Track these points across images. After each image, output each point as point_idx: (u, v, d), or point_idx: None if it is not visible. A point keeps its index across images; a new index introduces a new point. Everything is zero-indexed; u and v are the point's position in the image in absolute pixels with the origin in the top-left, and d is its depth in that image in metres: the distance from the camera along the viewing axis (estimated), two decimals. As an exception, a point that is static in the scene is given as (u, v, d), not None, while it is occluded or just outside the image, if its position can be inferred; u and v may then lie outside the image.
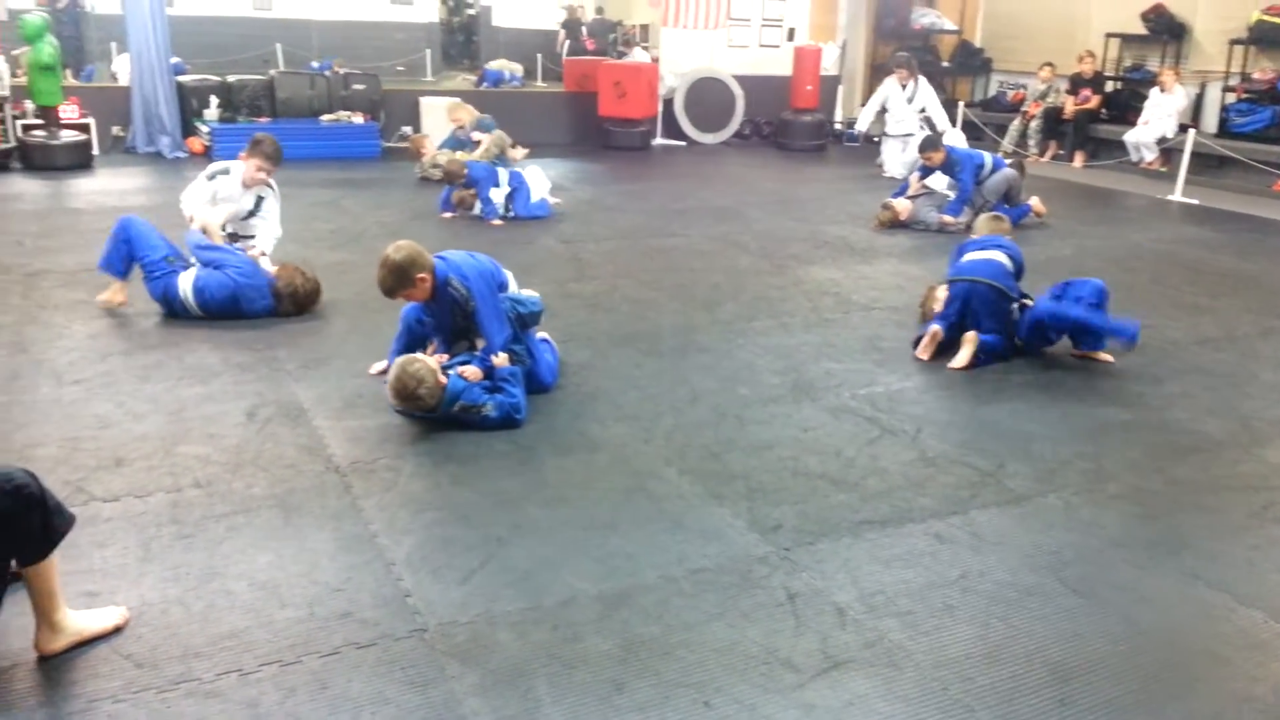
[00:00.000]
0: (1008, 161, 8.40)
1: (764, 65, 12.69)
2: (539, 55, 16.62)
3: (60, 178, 8.54)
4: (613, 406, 4.14)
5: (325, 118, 10.33)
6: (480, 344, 4.07)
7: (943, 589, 2.88)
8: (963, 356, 4.67)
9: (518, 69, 14.95)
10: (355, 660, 2.48)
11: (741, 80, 12.37)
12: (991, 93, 13.80)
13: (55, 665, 2.39)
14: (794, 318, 5.45)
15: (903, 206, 7.90)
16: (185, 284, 4.93)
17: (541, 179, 7.91)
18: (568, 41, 17.04)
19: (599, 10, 18.45)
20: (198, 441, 3.64)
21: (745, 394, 4.33)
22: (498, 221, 7.49)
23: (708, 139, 12.45)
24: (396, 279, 3.83)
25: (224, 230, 5.36)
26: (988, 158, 8.09)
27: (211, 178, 5.43)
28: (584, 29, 17.29)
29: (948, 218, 7.70)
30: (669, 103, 12.25)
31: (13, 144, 8.90)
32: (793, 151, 12.24)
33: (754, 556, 3.03)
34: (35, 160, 8.83)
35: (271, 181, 5.60)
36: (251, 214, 5.57)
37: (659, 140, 12.24)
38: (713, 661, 2.52)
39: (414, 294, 3.91)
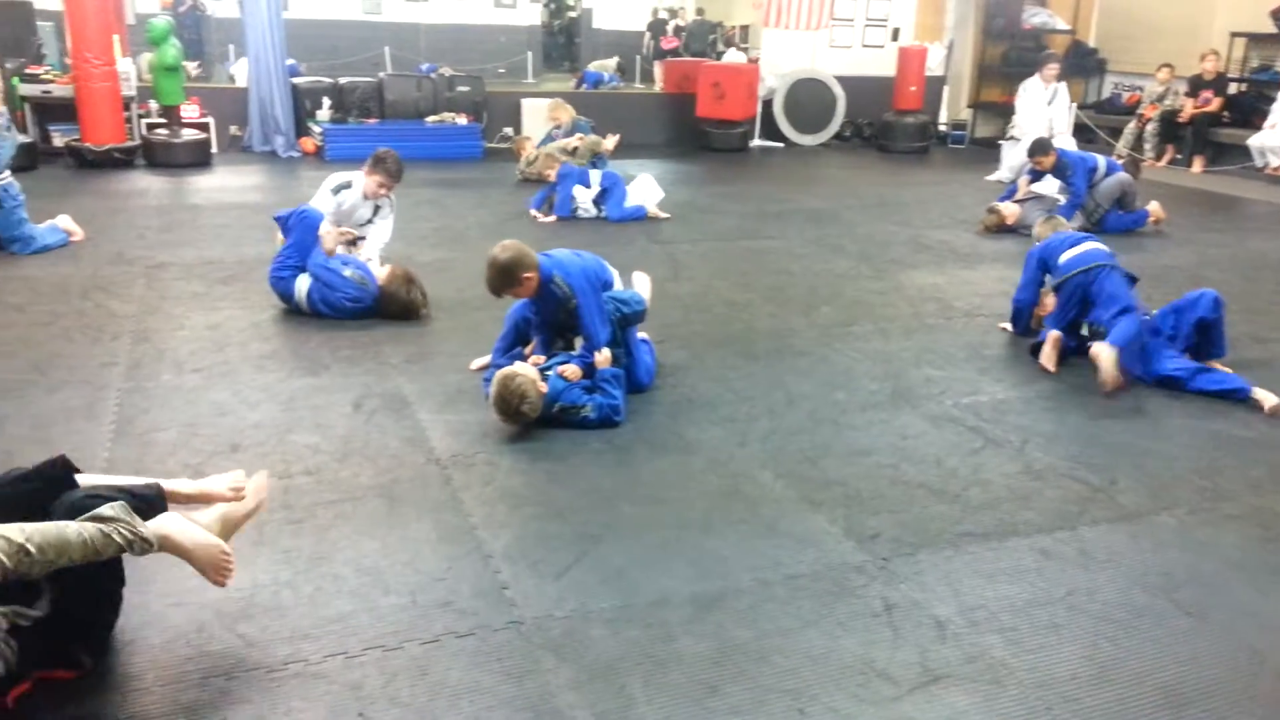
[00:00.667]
0: (1121, 165, 8.09)
1: (867, 66, 12.51)
2: (637, 56, 16.72)
3: (180, 174, 8.94)
4: (708, 409, 4.13)
5: (430, 119, 10.58)
6: (579, 343, 4.12)
7: (1048, 606, 2.79)
8: (1108, 371, 4.33)
9: (615, 70, 15.06)
10: (454, 649, 2.53)
11: (843, 81, 12.22)
12: (1105, 95, 13.31)
13: (170, 641, 2.50)
14: (894, 323, 5.35)
15: (1009, 211, 7.68)
16: (301, 288, 5.08)
17: (652, 189, 7.92)
18: (652, 43, 17.07)
19: (699, 11, 18.45)
20: (307, 431, 3.77)
21: (842, 399, 4.27)
22: (551, 218, 7.64)
23: (806, 140, 12.33)
24: (503, 278, 3.90)
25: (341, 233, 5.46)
26: (1101, 161, 7.81)
27: (335, 192, 5.49)
28: (668, 29, 17.28)
29: (1059, 222, 7.46)
30: (768, 104, 12.18)
31: (137, 142, 9.36)
32: (894, 154, 12.03)
33: (850, 565, 2.98)
34: (157, 157, 9.26)
35: (391, 196, 5.67)
36: (368, 222, 5.67)
37: (757, 141, 12.18)
38: (807, 669, 2.49)
39: (520, 292, 3.99)
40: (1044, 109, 9.87)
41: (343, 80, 10.65)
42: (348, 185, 5.51)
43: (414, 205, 7.91)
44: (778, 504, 3.35)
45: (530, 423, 3.83)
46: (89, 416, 3.81)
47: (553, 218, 7.70)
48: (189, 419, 3.83)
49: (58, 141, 9.35)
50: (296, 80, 10.52)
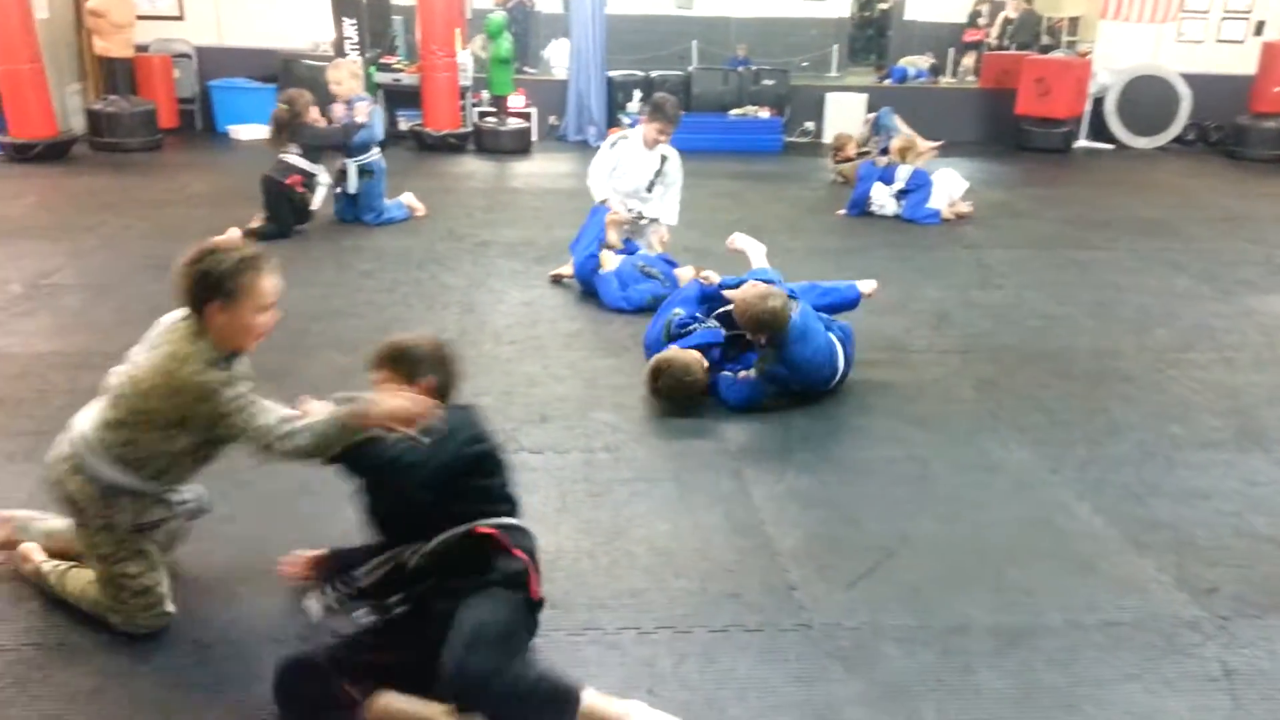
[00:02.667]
0: None
1: (1220, 63, 11.15)
2: (950, 50, 15.93)
3: (504, 160, 9.63)
4: (1015, 428, 3.85)
5: (733, 112, 10.68)
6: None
7: None
8: None
9: (926, 64, 14.44)
10: (742, 642, 2.53)
11: (1189, 79, 10.97)
12: None
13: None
14: (1242, 352, 4.73)
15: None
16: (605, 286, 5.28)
17: (955, 181, 7.54)
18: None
19: (1028, 2, 17.28)
20: (607, 409, 3.92)
21: (1177, 433, 3.83)
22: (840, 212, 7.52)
23: (1140, 143, 11.20)
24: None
25: (628, 212, 5.62)
26: None
27: (613, 145, 5.69)
28: (978, 20, 16.23)
29: None
30: (1098, 102, 11.18)
31: (469, 128, 10.19)
32: (1248, 161, 10.63)
33: (1182, 619, 2.66)
34: (485, 143, 10.03)
35: (675, 158, 5.69)
36: (652, 184, 5.68)
37: (1082, 142, 11.22)
38: (1127, 727, 2.25)
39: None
40: None
41: (654, 73, 10.99)
42: (625, 137, 5.71)
43: (713, 196, 8.03)
44: (1096, 541, 3.06)
45: (822, 422, 3.77)
46: (420, 376, 4.18)
47: (841, 212, 7.56)
48: (505, 387, 4.10)
49: (403, 125, 10.38)
50: (610, 73, 10.99)
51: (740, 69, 11.49)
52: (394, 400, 2.18)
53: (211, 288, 2.25)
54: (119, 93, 9.00)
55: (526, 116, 10.46)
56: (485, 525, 2.25)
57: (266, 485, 3.10)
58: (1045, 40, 13.97)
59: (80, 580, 2.50)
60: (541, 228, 6.80)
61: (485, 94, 10.40)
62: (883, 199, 7.50)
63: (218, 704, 2.27)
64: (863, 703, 2.32)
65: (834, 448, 3.68)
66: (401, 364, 2.34)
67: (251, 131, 9.92)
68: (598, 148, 10.47)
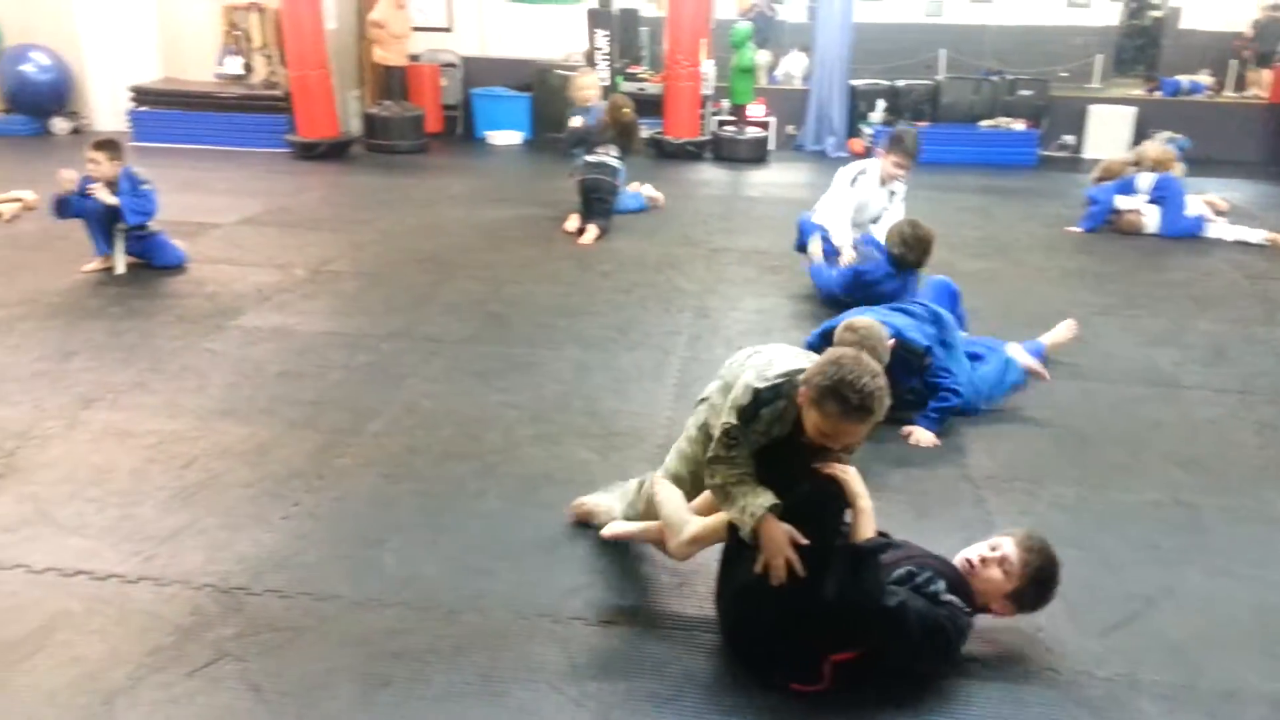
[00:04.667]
0: None
1: None
2: (1231, 62, 14.48)
3: (740, 168, 9.68)
4: (1307, 479, 3.45)
5: (984, 123, 10.22)
6: None
7: None
8: None
9: (1203, 78, 13.20)
10: (984, 676, 2.41)
11: None
12: None
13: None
14: None
15: None
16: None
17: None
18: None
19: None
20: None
21: None
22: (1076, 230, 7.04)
23: None
24: None
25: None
26: None
27: (853, 182, 5.58)
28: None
29: None
30: None
31: (708, 137, 10.32)
32: None
33: None
34: (722, 152, 10.12)
35: (901, 186, 5.63)
36: (877, 219, 5.62)
37: (1391, 164, 9.91)
38: None
39: None
40: None
41: (900, 83, 10.70)
42: (864, 172, 5.60)
43: (959, 211, 7.72)
44: (1404, 616, 2.68)
45: (1074, 452, 3.51)
46: (655, 377, 4.28)
47: (1075, 229, 7.05)
48: (737, 393, 4.11)
49: (643, 133, 10.67)
50: (854, 82, 10.80)
51: (994, 79, 10.98)
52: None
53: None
54: (392, 98, 9.79)
55: (765, 126, 10.47)
56: None
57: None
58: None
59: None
60: (775, 237, 6.76)
61: (725, 103, 10.50)
62: (1135, 207, 6.91)
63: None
64: (1116, 761, 2.15)
65: (1090, 484, 3.42)
66: None
67: (506, 137, 10.53)
68: (835, 158, 10.41)
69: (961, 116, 10.34)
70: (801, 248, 5.71)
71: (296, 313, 4.98)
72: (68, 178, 5.24)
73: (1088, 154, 10.22)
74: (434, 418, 3.79)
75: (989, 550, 2.49)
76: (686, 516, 2.59)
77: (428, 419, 3.77)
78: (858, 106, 10.61)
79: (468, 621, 2.56)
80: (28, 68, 9.87)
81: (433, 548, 2.90)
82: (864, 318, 3.59)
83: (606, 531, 2.92)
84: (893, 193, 5.66)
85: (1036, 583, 2.43)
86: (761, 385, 2.34)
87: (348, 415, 3.78)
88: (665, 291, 5.52)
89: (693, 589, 2.71)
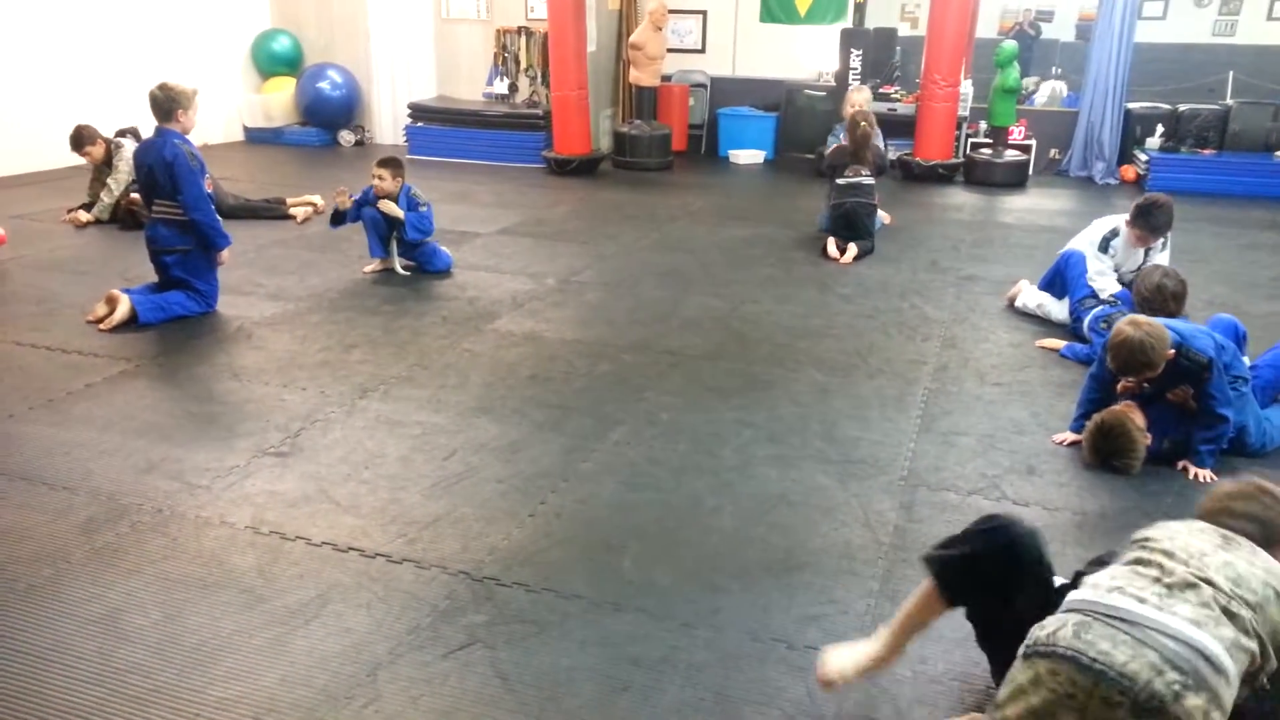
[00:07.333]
0: None
1: None
2: None
3: (995, 193, 9.21)
4: None
5: (1279, 154, 9.19)
6: None
7: None
8: None
9: None
10: None
11: None
12: None
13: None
14: None
15: None
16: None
17: None
18: None
19: None
20: (1104, 470, 3.55)
21: None
22: None
23: None
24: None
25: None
26: None
27: (1105, 248, 5.15)
28: None
29: None
30: None
31: (960, 159, 9.90)
32: None
33: None
34: (975, 175, 9.67)
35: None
36: (1136, 270, 5.05)
37: None
38: None
39: None
40: None
41: (1182, 107, 9.82)
42: (1116, 234, 5.14)
43: (1247, 249, 6.99)
44: None
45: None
46: (898, 407, 4.13)
47: None
48: (988, 430, 3.90)
49: (890, 155, 10.38)
50: (1131, 105, 10.04)
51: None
52: None
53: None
54: (643, 117, 10.10)
55: (1026, 149, 9.93)
56: None
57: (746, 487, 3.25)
58: None
59: None
60: (1034, 267, 6.37)
61: (982, 124, 10.06)
62: None
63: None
64: None
65: None
66: None
67: (749, 156, 10.60)
68: (1103, 185, 9.70)
69: (1252, 145, 9.36)
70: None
71: (546, 320, 5.22)
72: (341, 194, 5.90)
73: None
74: (672, 430, 3.84)
75: None
76: None
77: (666, 431, 3.84)
78: (1133, 131, 9.84)
79: (702, 637, 2.57)
80: (323, 85, 10.99)
81: (669, 558, 2.93)
82: (1148, 318, 3.56)
83: None
84: (1149, 249, 5.15)
85: None
86: None
87: (591, 421, 3.91)
88: (910, 318, 5.34)
89: (939, 633, 2.58)
